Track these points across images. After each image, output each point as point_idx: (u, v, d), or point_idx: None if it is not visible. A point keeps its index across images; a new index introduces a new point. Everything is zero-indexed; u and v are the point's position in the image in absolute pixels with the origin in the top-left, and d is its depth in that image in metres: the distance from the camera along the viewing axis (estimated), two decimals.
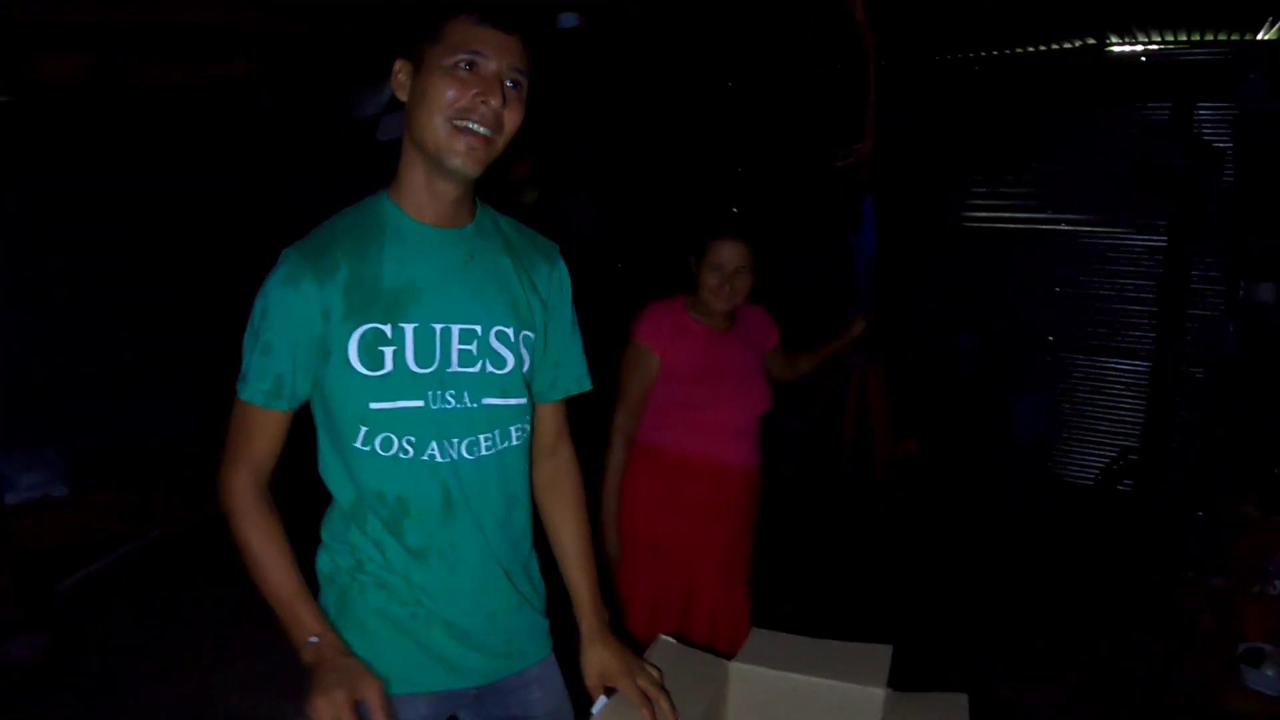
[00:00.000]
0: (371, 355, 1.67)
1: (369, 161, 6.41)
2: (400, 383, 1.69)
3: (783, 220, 6.92)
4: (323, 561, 1.85)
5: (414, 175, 1.76)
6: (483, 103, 1.67)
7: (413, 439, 1.72)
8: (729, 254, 3.24)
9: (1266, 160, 5.81)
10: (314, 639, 1.66)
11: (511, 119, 1.72)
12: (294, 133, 6.76)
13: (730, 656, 1.98)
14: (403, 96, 1.76)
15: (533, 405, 1.92)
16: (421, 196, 1.77)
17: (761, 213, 7.22)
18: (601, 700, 1.83)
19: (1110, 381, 7.16)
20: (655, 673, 1.83)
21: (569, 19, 4.93)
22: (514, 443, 1.85)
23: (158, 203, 6.52)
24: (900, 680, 1.89)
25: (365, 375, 1.68)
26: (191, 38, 5.22)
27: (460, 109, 1.67)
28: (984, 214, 7.53)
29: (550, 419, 2.04)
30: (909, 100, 5.59)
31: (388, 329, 1.68)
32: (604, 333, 2.64)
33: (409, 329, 1.70)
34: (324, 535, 1.87)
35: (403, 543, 1.76)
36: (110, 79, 5.37)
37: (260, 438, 1.73)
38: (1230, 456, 5.00)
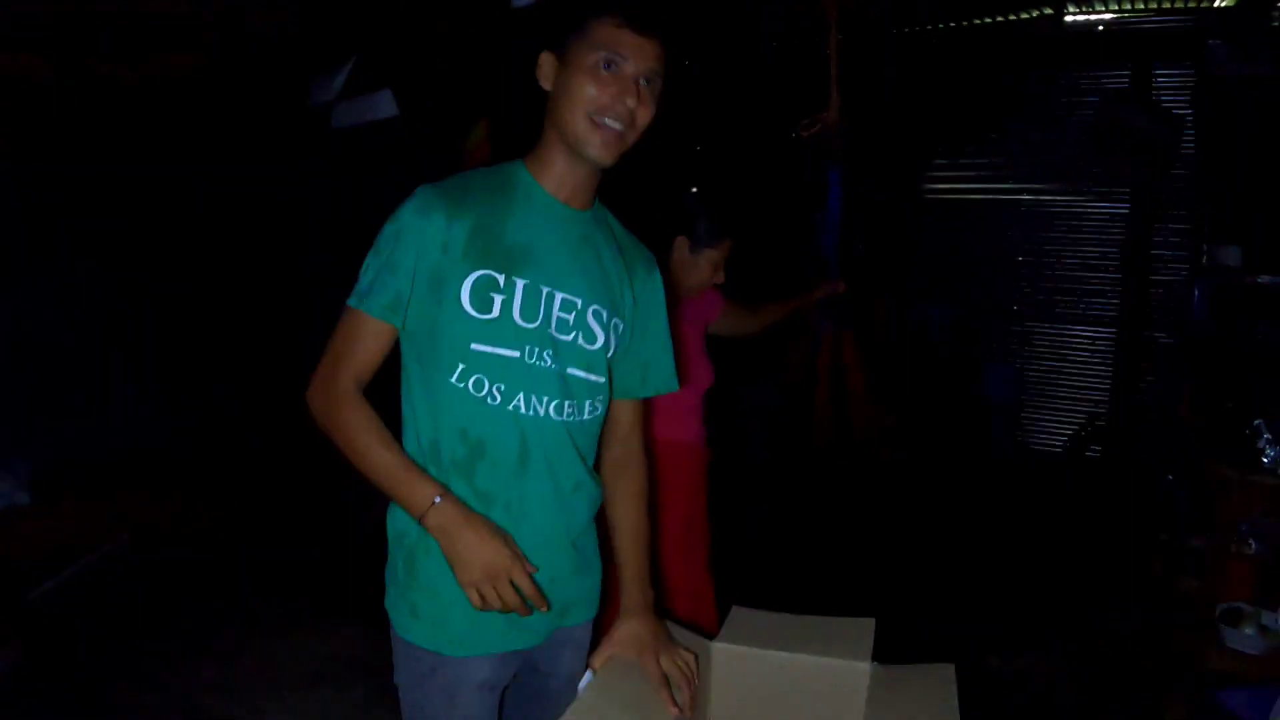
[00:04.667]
0: (482, 299, 1.77)
1: (329, 146, 6.37)
2: (503, 330, 1.79)
3: (746, 196, 6.90)
4: (394, 520, 1.89)
5: (553, 155, 1.90)
6: (620, 102, 1.80)
7: (502, 386, 1.80)
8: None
9: (1228, 125, 5.83)
10: (438, 499, 1.72)
11: (644, 115, 1.84)
12: (256, 121, 6.68)
13: (710, 636, 1.96)
14: (546, 86, 1.89)
15: (610, 387, 2.00)
16: (556, 171, 1.90)
17: (724, 190, 7.20)
18: (587, 676, 1.84)
19: (1077, 349, 7.20)
20: (689, 658, 1.89)
21: None
22: (588, 416, 1.94)
23: (121, 201, 6.43)
24: (884, 654, 1.87)
25: (472, 316, 1.77)
26: (153, 29, 5.17)
27: (599, 106, 1.80)
28: (947, 185, 7.56)
29: (631, 410, 2.11)
30: (869, 73, 5.57)
31: (501, 279, 1.79)
32: None
33: (520, 284, 1.81)
34: None
35: (472, 485, 1.81)
36: (72, 70, 5.31)
37: (368, 349, 1.80)
38: (1200, 419, 5.01)
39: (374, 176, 6.44)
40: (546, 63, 1.89)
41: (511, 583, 1.70)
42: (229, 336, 6.87)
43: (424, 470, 1.77)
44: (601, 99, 1.79)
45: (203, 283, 6.72)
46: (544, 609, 1.77)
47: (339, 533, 5.22)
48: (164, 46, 5.59)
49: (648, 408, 2.17)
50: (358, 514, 3.34)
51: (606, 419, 2.04)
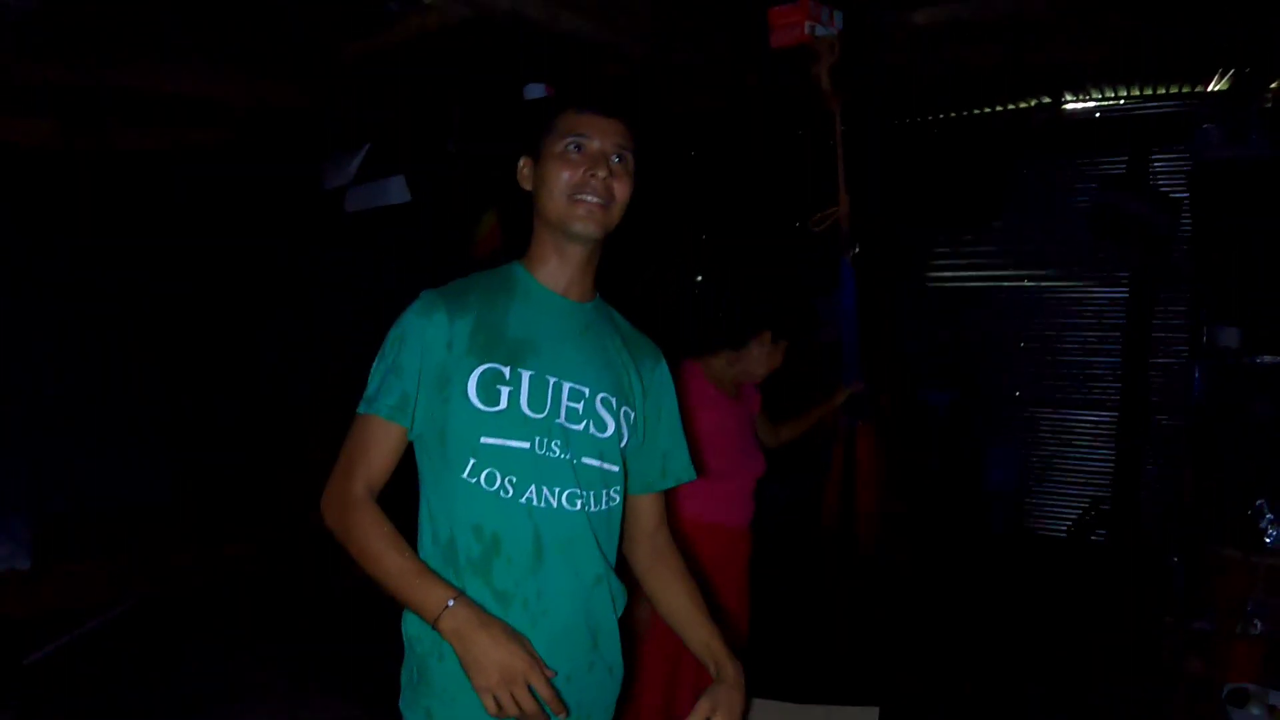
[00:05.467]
0: (489, 392, 1.82)
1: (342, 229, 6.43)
2: (512, 422, 1.82)
3: (755, 286, 6.96)
4: (407, 624, 1.88)
5: (545, 248, 1.98)
6: (592, 176, 1.89)
7: (514, 479, 1.82)
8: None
9: (1223, 207, 5.90)
10: (451, 602, 1.69)
11: (620, 189, 1.93)
12: (271, 199, 6.76)
13: None
14: (528, 187, 2.00)
15: (624, 476, 2.01)
16: (551, 265, 1.98)
17: (733, 280, 7.25)
18: None
19: (1079, 433, 7.19)
20: None
21: (536, 89, 4.95)
22: (604, 507, 1.94)
23: (129, 264, 6.47)
24: None
25: (481, 410, 1.81)
26: (170, 103, 5.27)
27: (574, 184, 1.89)
28: (948, 273, 7.63)
29: (654, 506, 2.13)
30: (870, 163, 5.67)
31: (506, 371, 1.84)
32: None
33: (526, 375, 1.85)
34: None
35: (490, 584, 1.81)
36: (88, 141, 5.39)
37: (379, 452, 1.83)
38: (1203, 500, 5.03)
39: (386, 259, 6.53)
40: (525, 166, 2.01)
41: (529, 688, 1.66)
42: (231, 395, 6.90)
43: (438, 574, 1.77)
44: (575, 177, 1.89)
45: (205, 342, 6.78)
46: (562, 716, 1.74)
47: (338, 600, 5.24)
48: (181, 120, 5.69)
49: (670, 501, 2.18)
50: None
51: (630, 518, 2.05)
